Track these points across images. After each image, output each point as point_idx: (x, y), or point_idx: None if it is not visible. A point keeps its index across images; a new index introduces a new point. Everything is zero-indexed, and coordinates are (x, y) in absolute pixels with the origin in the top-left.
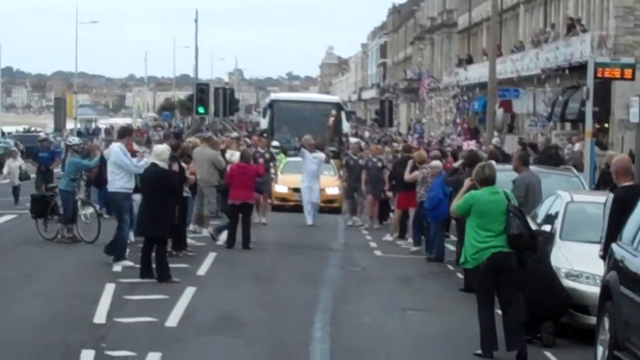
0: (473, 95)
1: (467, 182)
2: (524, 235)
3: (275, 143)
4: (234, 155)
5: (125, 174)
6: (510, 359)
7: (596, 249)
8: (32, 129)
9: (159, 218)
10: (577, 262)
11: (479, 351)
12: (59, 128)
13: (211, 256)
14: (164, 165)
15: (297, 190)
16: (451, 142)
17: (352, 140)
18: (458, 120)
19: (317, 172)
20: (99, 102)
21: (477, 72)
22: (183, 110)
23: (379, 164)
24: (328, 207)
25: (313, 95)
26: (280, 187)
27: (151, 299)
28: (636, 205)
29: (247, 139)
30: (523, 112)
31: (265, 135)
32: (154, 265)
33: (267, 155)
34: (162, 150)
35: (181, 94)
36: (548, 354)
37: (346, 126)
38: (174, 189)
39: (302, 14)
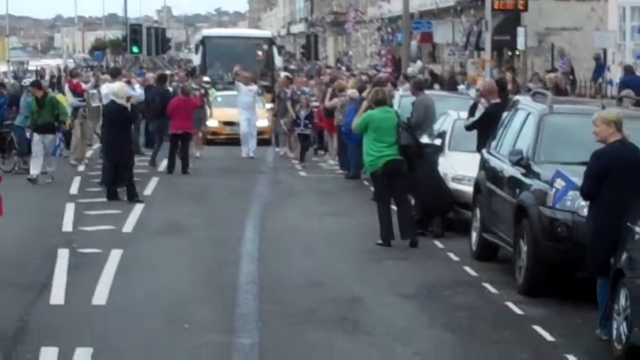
0: (396, 27)
1: (364, 104)
2: (412, 145)
3: (206, 78)
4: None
5: None
6: (405, 246)
7: (476, 157)
8: None
9: (123, 146)
10: (461, 168)
11: (380, 241)
12: None
13: (154, 180)
14: (121, 101)
15: (227, 123)
16: (377, 73)
17: (282, 74)
18: (383, 52)
19: (252, 104)
20: (27, 44)
21: (400, 5)
22: (114, 49)
23: (304, 97)
24: (258, 138)
25: (245, 31)
26: (211, 122)
27: (107, 213)
28: (500, 118)
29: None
30: (443, 42)
31: (196, 71)
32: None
33: (202, 91)
34: (119, 88)
35: (110, 33)
36: (437, 242)
37: (278, 60)
38: (131, 122)
39: None
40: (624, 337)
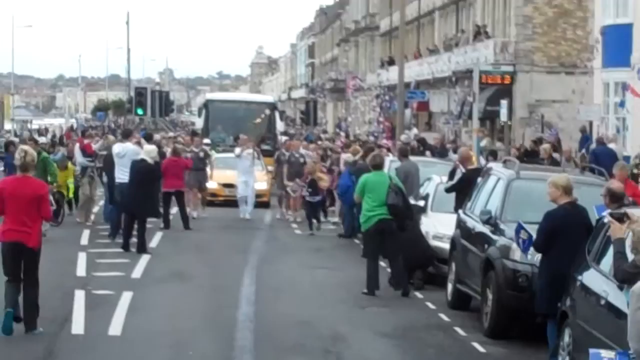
0: (394, 95)
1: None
2: (399, 205)
3: (206, 140)
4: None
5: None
6: (387, 296)
7: (455, 217)
8: None
9: (148, 202)
10: (441, 227)
11: (365, 290)
12: None
13: (158, 234)
14: (151, 161)
15: (226, 185)
16: (375, 140)
17: (283, 138)
18: (381, 119)
19: (250, 167)
20: (29, 103)
21: (397, 74)
22: (116, 110)
23: (301, 160)
24: (257, 201)
25: (247, 95)
26: (210, 183)
27: (117, 262)
28: (475, 182)
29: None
30: (438, 110)
31: (198, 134)
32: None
33: (202, 154)
34: (151, 149)
35: (112, 94)
36: (417, 293)
37: (280, 125)
38: (158, 180)
39: (231, 13)
40: None
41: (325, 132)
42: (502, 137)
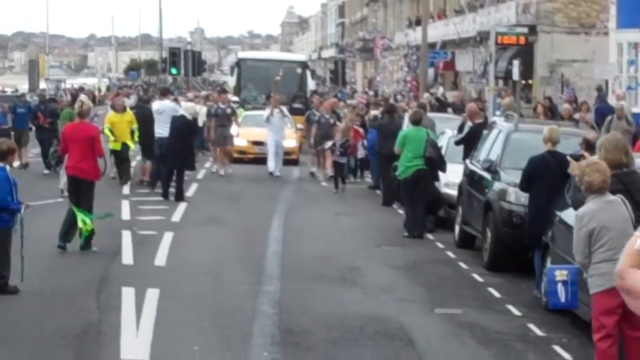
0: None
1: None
2: (435, 158)
3: (234, 98)
4: (202, 110)
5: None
6: (402, 238)
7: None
8: (4, 89)
9: (187, 154)
10: (452, 176)
11: (406, 233)
12: (34, 88)
13: (194, 185)
14: (189, 116)
15: (256, 143)
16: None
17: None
18: (408, 78)
19: (280, 125)
20: (61, 62)
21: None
22: (148, 70)
23: (331, 120)
24: (286, 158)
25: (279, 54)
26: (240, 140)
27: (157, 208)
28: (481, 135)
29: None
30: (464, 70)
31: (226, 91)
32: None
33: (229, 110)
34: (190, 106)
35: (143, 54)
36: (429, 236)
37: (311, 84)
38: (195, 134)
39: None
40: None
41: (355, 91)
42: (522, 95)
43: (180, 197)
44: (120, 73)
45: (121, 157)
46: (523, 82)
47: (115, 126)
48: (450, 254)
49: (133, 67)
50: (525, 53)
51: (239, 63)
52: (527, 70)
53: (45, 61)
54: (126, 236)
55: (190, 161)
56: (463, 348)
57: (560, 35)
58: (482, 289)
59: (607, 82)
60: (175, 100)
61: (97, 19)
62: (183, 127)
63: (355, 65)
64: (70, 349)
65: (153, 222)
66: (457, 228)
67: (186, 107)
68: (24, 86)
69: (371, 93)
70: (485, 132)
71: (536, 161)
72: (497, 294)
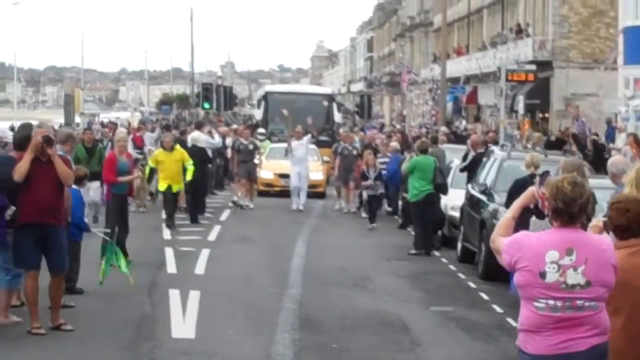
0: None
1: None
2: (444, 184)
3: (260, 130)
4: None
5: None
6: (410, 255)
7: None
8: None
9: (201, 178)
10: (457, 200)
11: (413, 251)
12: (69, 122)
13: (227, 211)
14: (201, 145)
15: (282, 175)
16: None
17: (341, 130)
18: (433, 112)
19: (304, 158)
20: (93, 96)
21: (449, 68)
22: (180, 104)
23: (354, 152)
24: (312, 191)
25: (305, 87)
26: (266, 173)
27: (194, 229)
28: (481, 162)
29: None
30: (485, 104)
31: (255, 125)
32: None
33: (251, 147)
34: (198, 135)
35: (174, 88)
36: (436, 253)
37: (337, 116)
38: (208, 161)
39: (292, 6)
40: None
41: (383, 125)
42: (539, 128)
43: (193, 218)
44: (152, 107)
45: (166, 198)
46: (541, 115)
47: (162, 166)
48: (451, 267)
49: (165, 101)
50: (542, 88)
51: (265, 96)
52: (544, 104)
53: (81, 95)
54: (169, 252)
55: (203, 185)
56: (449, 333)
57: (575, 71)
58: (474, 293)
59: (615, 115)
60: (210, 132)
61: (129, 54)
62: (196, 155)
63: (383, 99)
64: (131, 331)
65: (191, 241)
66: (459, 245)
67: (193, 137)
68: (59, 120)
69: (398, 126)
70: (484, 159)
71: (519, 182)
72: (485, 297)
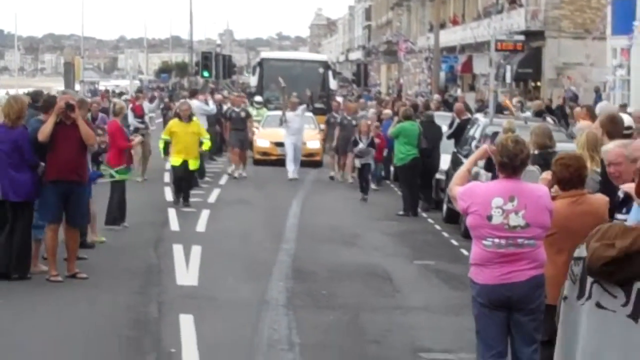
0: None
1: (395, 119)
2: (428, 148)
3: (257, 98)
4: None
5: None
6: (401, 217)
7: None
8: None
9: None
10: (444, 165)
11: (401, 212)
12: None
13: (225, 176)
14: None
15: (279, 144)
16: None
17: (337, 98)
18: (429, 80)
19: (299, 129)
20: (91, 64)
21: (445, 38)
22: (179, 72)
23: (353, 122)
24: (309, 160)
25: (301, 54)
26: (262, 141)
27: (195, 192)
28: (466, 129)
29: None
30: (479, 73)
31: (252, 93)
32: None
33: (243, 114)
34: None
35: (173, 56)
36: (423, 214)
37: (333, 84)
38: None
39: None
40: None
41: (379, 92)
42: (532, 96)
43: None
44: (151, 75)
45: (178, 175)
46: (532, 84)
47: (177, 138)
48: (437, 226)
49: (164, 69)
50: (534, 57)
51: (261, 63)
52: (536, 73)
53: (80, 63)
54: (172, 212)
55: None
56: (429, 283)
57: (566, 40)
58: (456, 250)
59: (604, 84)
60: (205, 100)
61: (127, 22)
62: None
63: (380, 67)
64: (140, 279)
65: (192, 202)
66: (444, 206)
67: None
68: (59, 88)
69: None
70: (469, 126)
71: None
72: (466, 253)
